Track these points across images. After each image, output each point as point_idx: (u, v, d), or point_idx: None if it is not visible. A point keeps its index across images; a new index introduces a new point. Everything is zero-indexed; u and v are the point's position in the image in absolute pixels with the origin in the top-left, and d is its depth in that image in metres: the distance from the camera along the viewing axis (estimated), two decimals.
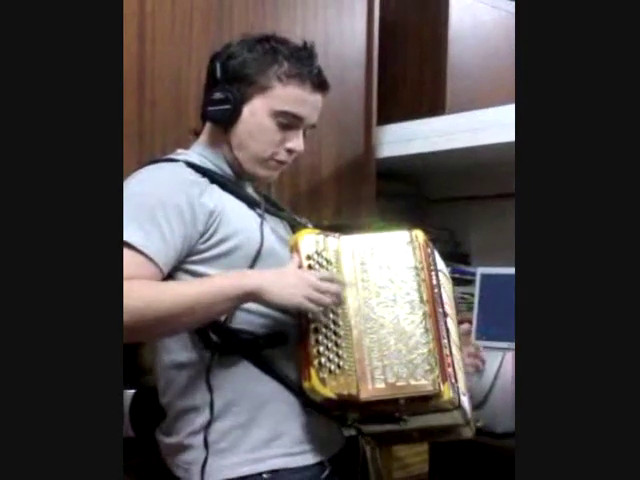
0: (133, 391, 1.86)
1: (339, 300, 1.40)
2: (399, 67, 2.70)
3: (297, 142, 1.50)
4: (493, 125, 2.26)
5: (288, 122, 1.48)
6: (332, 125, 2.34)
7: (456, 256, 2.72)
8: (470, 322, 2.26)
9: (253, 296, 1.35)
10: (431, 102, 2.63)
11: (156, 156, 1.55)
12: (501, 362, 2.09)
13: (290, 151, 1.51)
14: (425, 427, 1.45)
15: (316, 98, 1.51)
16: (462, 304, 2.39)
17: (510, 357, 2.07)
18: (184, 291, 1.33)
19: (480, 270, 2.38)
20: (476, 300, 2.32)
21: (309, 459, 1.44)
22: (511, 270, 2.08)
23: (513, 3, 2.56)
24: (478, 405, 2.02)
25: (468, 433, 1.51)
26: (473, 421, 1.48)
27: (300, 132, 1.51)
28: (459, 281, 2.45)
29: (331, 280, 1.40)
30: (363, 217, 2.42)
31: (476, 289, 2.34)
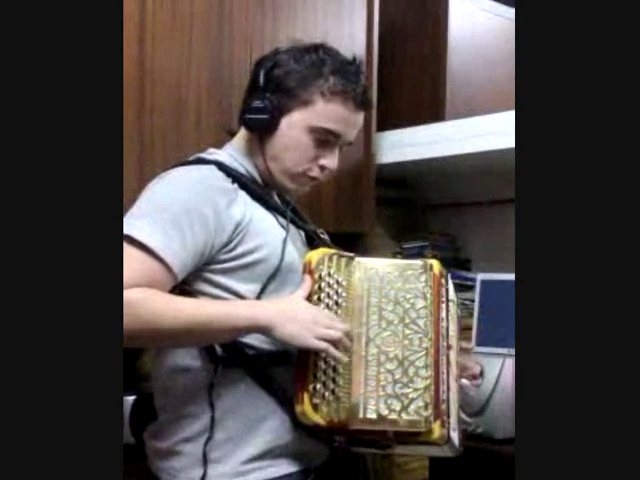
0: (133, 397, 1.86)
1: (347, 343, 1.38)
2: (399, 74, 2.71)
3: (332, 160, 1.48)
4: (493, 131, 2.26)
5: (325, 139, 1.45)
6: None
7: (456, 262, 2.72)
8: (470, 329, 2.27)
9: (262, 330, 1.35)
10: (430, 109, 2.64)
11: (156, 160, 1.55)
12: (501, 368, 2.09)
13: (323, 168, 1.48)
14: (411, 455, 1.45)
15: (357, 117, 1.48)
16: (462, 310, 2.39)
17: (510, 363, 2.07)
18: (196, 313, 1.32)
19: (480, 276, 2.38)
20: (476, 306, 2.32)
21: (293, 467, 1.43)
22: (511, 276, 2.08)
23: (513, 10, 2.56)
24: (478, 411, 2.02)
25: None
26: (461, 450, 1.47)
27: (336, 150, 1.49)
28: (459, 287, 2.45)
29: (340, 324, 1.38)
30: (363, 223, 2.43)
31: (476, 295, 2.34)
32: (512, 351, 2.03)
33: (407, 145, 2.47)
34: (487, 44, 2.71)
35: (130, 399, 1.85)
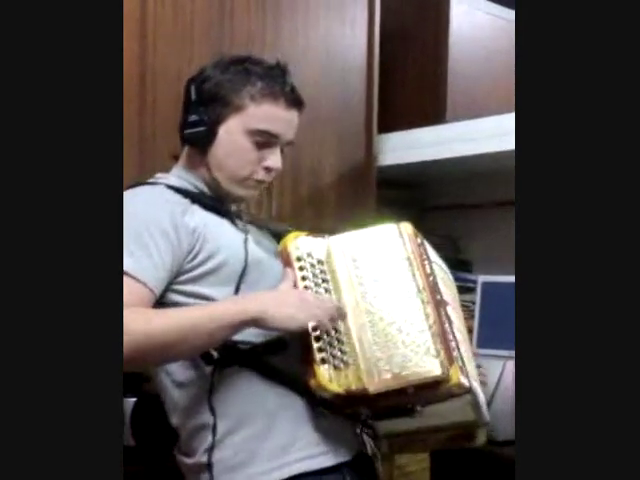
0: (134, 399, 1.86)
1: (340, 317, 1.40)
2: (400, 75, 2.71)
3: (274, 160, 1.50)
4: (494, 133, 2.26)
5: (264, 140, 1.48)
6: (333, 133, 2.34)
7: (457, 264, 2.72)
8: (471, 331, 2.27)
9: (255, 322, 1.35)
10: (432, 110, 2.64)
11: (157, 157, 1.55)
12: (502, 370, 2.09)
13: (268, 169, 1.51)
14: (441, 425, 1.45)
15: (291, 115, 1.51)
16: (463, 312, 2.39)
17: (511, 365, 2.07)
18: (183, 319, 1.32)
19: (481, 278, 2.38)
20: (477, 308, 2.32)
21: (330, 460, 1.43)
22: (512, 278, 2.08)
23: (513, 11, 2.57)
24: None
25: (482, 438, 1.51)
26: (488, 414, 1.48)
27: (277, 150, 1.51)
28: (460, 289, 2.43)
29: (330, 305, 1.40)
30: (364, 225, 2.42)
31: (477, 297, 2.34)
32: (513, 353, 2.02)
33: (408, 147, 2.48)
34: (488, 46, 2.72)
35: (131, 401, 1.85)
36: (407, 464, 2.27)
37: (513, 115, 2.01)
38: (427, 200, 2.89)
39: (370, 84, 2.42)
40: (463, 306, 2.41)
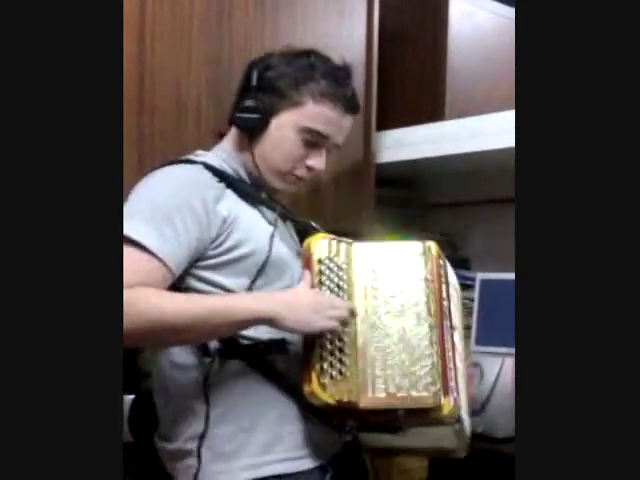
0: (132, 396, 1.86)
1: (350, 318, 1.40)
2: (399, 73, 2.70)
3: (319, 160, 1.51)
4: (493, 131, 2.26)
5: (313, 140, 1.49)
6: None
7: (455, 261, 2.71)
8: (469, 328, 2.27)
9: (267, 322, 1.36)
10: (431, 108, 2.63)
11: (156, 162, 1.55)
12: (501, 367, 2.09)
13: (310, 168, 1.51)
14: (420, 448, 1.48)
15: (346, 120, 1.52)
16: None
17: (510, 362, 2.07)
18: (198, 307, 1.33)
19: (479, 275, 2.38)
20: (475, 305, 2.32)
21: (309, 463, 1.44)
22: (511, 275, 2.08)
23: (513, 9, 2.57)
24: (478, 410, 2.02)
25: (462, 453, 1.52)
26: (469, 438, 1.48)
27: (323, 151, 1.52)
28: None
29: (343, 305, 1.40)
30: (362, 223, 2.42)
31: (475, 294, 2.34)
32: (512, 350, 2.03)
33: (407, 144, 2.47)
34: (487, 43, 2.71)
35: (129, 398, 1.85)
36: (406, 461, 2.27)
37: (511, 112, 2.02)
38: (425, 197, 2.89)
39: (369, 81, 2.42)
40: (462, 304, 2.42)
